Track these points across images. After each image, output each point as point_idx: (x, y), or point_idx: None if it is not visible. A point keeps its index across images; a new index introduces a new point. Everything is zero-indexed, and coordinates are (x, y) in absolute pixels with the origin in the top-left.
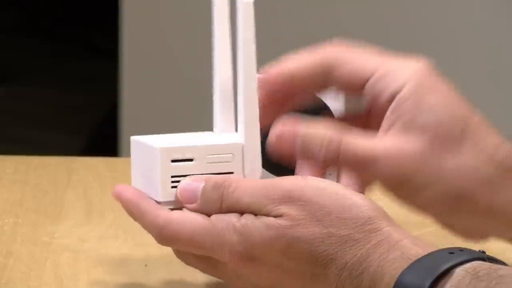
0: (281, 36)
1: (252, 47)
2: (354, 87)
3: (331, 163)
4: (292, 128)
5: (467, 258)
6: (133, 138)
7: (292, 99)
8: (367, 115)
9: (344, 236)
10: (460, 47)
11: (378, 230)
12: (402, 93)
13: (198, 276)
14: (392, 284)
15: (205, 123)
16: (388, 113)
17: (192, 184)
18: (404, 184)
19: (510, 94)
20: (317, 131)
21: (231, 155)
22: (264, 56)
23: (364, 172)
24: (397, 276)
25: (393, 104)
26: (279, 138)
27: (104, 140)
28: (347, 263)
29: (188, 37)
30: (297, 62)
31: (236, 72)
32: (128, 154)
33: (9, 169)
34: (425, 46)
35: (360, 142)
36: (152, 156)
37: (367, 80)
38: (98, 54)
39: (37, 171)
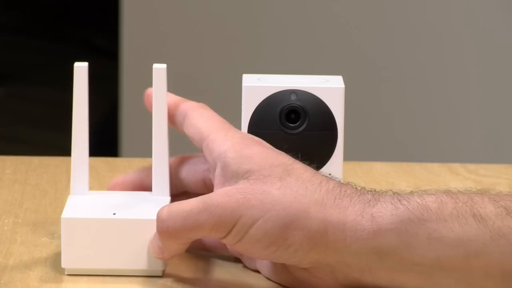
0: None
1: (164, 110)
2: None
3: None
4: None
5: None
6: (68, 219)
7: None
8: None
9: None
10: (460, 47)
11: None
12: (225, 156)
13: (197, 274)
14: None
15: None
16: (217, 172)
17: None
18: (235, 225)
19: (510, 94)
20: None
21: None
22: (264, 53)
23: (191, 230)
24: None
25: (220, 164)
26: None
27: (104, 140)
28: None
29: (188, 37)
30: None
31: None
32: (128, 154)
33: (9, 169)
34: (425, 45)
35: (178, 205)
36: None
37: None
38: (98, 54)
39: (37, 171)
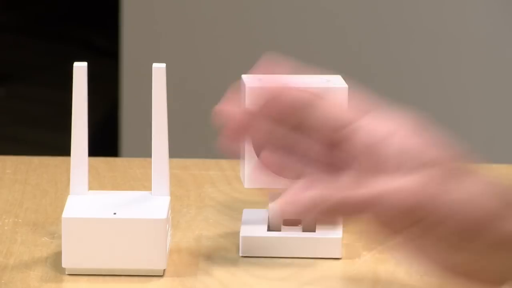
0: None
1: (164, 109)
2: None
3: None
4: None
5: None
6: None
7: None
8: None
9: None
10: (460, 47)
11: None
12: (397, 141)
13: (197, 274)
14: None
15: (204, 123)
16: (377, 158)
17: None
18: (418, 221)
19: (510, 94)
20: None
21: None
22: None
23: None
24: None
25: (387, 149)
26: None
27: (104, 140)
28: None
29: (187, 37)
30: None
31: None
32: (128, 154)
33: (9, 169)
34: (425, 45)
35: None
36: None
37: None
38: (98, 54)
39: (37, 171)
